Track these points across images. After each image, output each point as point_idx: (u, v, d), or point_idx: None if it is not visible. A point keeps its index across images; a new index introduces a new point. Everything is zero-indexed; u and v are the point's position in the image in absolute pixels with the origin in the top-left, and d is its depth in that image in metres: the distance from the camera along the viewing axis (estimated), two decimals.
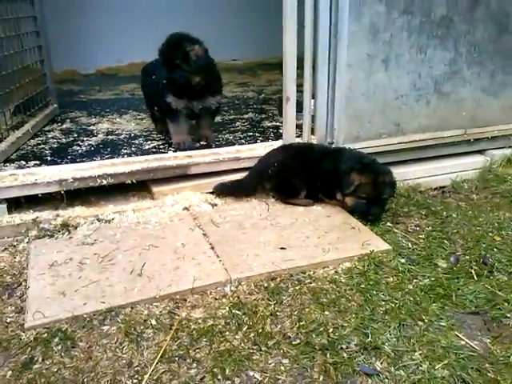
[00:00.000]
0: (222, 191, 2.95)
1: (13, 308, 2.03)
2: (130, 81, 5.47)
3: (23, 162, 2.83)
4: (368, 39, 3.10)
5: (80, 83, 5.68)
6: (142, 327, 1.89)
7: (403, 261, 2.36)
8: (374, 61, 3.16)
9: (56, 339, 1.82)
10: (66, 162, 2.85)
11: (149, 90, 3.51)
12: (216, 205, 2.92)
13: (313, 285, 2.16)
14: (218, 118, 3.96)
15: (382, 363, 1.73)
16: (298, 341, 1.81)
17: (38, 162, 2.84)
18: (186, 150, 3.12)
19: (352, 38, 3.06)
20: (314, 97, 3.20)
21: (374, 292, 2.11)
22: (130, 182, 2.82)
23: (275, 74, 6.18)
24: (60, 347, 1.79)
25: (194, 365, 1.71)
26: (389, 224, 2.75)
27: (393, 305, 2.03)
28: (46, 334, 1.84)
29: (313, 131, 3.27)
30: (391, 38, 3.16)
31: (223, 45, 6.25)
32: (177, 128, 3.23)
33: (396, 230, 2.68)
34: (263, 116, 4.08)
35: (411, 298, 2.08)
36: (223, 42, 6.31)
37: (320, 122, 3.22)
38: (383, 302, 2.05)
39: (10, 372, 1.69)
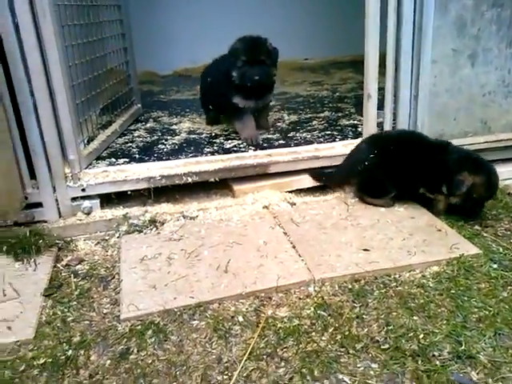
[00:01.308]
0: (316, 176, 3.01)
1: (108, 300, 2.14)
2: None
3: (113, 160, 2.98)
4: (454, 34, 2.99)
5: (159, 84, 5.89)
6: (229, 323, 1.93)
7: (495, 266, 2.25)
8: (460, 56, 3.04)
9: (149, 332, 1.91)
10: (153, 160, 2.97)
11: (212, 90, 3.61)
12: (295, 204, 2.93)
13: (399, 288, 2.11)
14: (294, 117, 3.98)
15: (478, 373, 1.65)
16: (387, 345, 1.78)
17: (127, 160, 2.98)
18: (256, 144, 3.25)
19: (437, 32, 2.96)
20: (395, 94, 3.13)
21: (466, 298, 2.02)
22: (213, 180, 2.89)
23: (348, 72, 6.10)
24: (153, 340, 1.87)
25: (283, 364, 1.73)
26: (477, 227, 2.62)
27: (487, 312, 1.94)
28: (139, 326, 1.93)
29: (393, 129, 3.19)
30: (479, 32, 3.02)
31: (295, 44, 6.27)
32: (245, 125, 3.36)
33: (485, 234, 2.55)
34: (340, 114, 4.02)
35: (506, 306, 1.97)
36: (295, 41, 6.33)
37: (402, 119, 3.14)
38: (476, 309, 1.96)
39: (108, 361, 1.78)
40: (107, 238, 2.66)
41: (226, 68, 3.27)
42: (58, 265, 2.42)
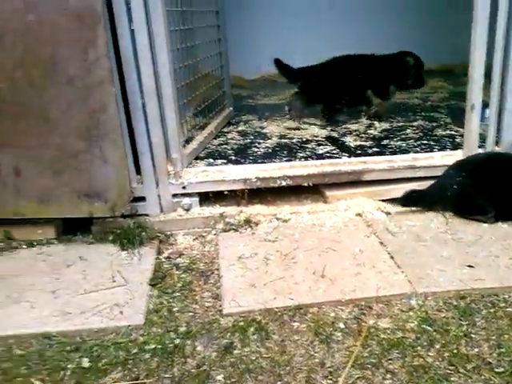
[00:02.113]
0: (405, 203, 2.89)
1: (209, 294, 2.21)
2: (290, 87, 5.63)
3: (211, 160, 3.08)
4: None
5: (246, 88, 6.01)
6: (330, 329, 1.93)
7: None
8: None
9: (252, 329, 1.94)
10: (249, 162, 3.03)
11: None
12: (389, 213, 2.87)
13: (509, 310, 2.01)
14: (386, 125, 3.92)
15: None
16: (502, 369, 1.69)
17: (224, 161, 3.06)
18: None
19: None
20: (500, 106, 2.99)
21: None
22: (306, 184, 2.90)
23: (438, 81, 5.88)
24: (256, 337, 1.90)
25: (389, 376, 1.69)
26: None
27: None
28: (242, 323, 1.98)
29: (497, 142, 3.05)
30: None
31: (385, 51, 6.16)
32: None
33: None
34: (434, 124, 3.89)
35: None
36: (384, 49, 6.21)
37: (508, 131, 2.99)
38: None
39: (214, 353, 1.84)
40: (204, 234, 2.74)
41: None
42: (160, 257, 2.54)
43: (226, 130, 3.92)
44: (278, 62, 4.19)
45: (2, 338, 1.94)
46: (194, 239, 2.72)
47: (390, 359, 1.76)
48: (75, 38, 2.22)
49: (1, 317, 2.05)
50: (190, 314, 2.07)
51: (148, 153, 2.62)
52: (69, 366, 1.80)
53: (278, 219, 2.81)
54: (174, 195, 2.78)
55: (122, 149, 2.43)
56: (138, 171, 2.69)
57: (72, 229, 2.80)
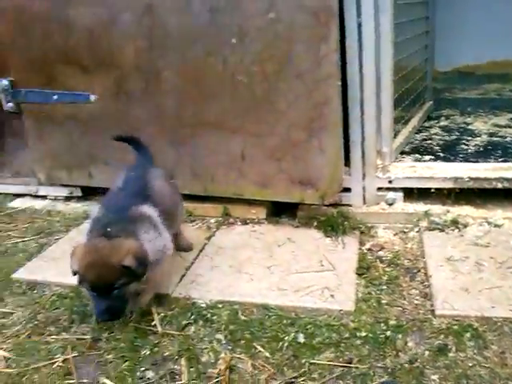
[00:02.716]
0: None
1: (417, 292, 2.21)
2: (491, 80, 5.20)
3: (418, 156, 3.04)
4: None
5: (439, 81, 5.69)
6: None
7: None
8: None
9: (467, 334, 1.89)
10: (460, 161, 2.91)
11: None
12: None
13: None
14: None
15: None
16: None
17: (431, 157, 2.99)
18: None
19: None
20: None
21: None
22: None
23: None
24: (472, 343, 1.85)
25: None
26: None
27: None
28: (456, 326, 1.94)
29: None
30: None
31: None
32: None
33: None
34: None
35: None
36: None
37: None
38: None
39: (427, 352, 1.84)
40: (406, 230, 2.73)
41: None
42: (362, 248, 2.61)
43: (426, 124, 3.80)
44: None
45: (229, 302, 2.21)
46: (394, 234, 2.72)
47: None
48: (310, 34, 2.38)
49: (226, 284, 2.34)
50: (399, 308, 2.10)
51: (359, 145, 2.69)
52: (286, 339, 1.98)
53: (489, 223, 2.65)
54: (379, 188, 2.81)
55: (339, 140, 2.55)
56: (346, 163, 2.78)
57: (278, 212, 3.04)
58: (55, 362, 1.95)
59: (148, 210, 2.12)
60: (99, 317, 1.95)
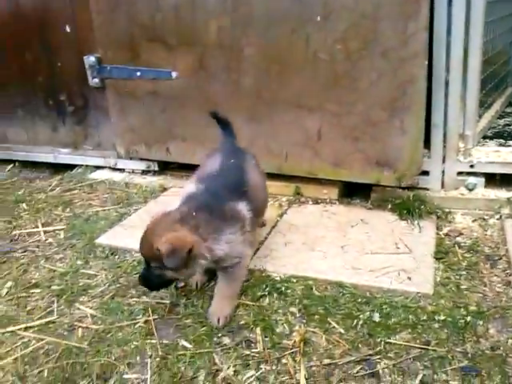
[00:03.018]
0: None
1: (499, 279, 2.15)
2: None
3: (502, 140, 2.91)
4: None
5: None
6: None
7: None
8: None
9: None
10: None
11: None
12: None
13: None
14: None
15: None
16: None
17: None
18: None
19: None
20: None
21: None
22: None
23: None
24: None
25: None
26: None
27: None
28: None
29: None
30: None
31: None
32: None
33: None
34: None
35: None
36: None
37: None
38: None
39: (510, 340, 1.80)
40: (486, 217, 2.64)
41: None
42: (440, 233, 2.55)
43: (508, 110, 3.62)
44: None
45: (303, 278, 2.24)
46: (473, 220, 2.64)
47: None
48: (398, 11, 2.33)
49: (300, 260, 2.37)
50: (479, 294, 2.05)
51: (441, 127, 2.62)
52: (361, 317, 1.98)
53: None
54: (459, 173, 2.72)
55: (421, 121, 2.49)
56: (425, 145, 2.71)
57: (350, 193, 3.02)
58: (137, 322, 2.07)
59: (243, 209, 2.08)
60: (138, 279, 2.03)
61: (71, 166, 3.85)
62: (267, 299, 2.14)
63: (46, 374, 1.80)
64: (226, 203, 2.04)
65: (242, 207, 2.08)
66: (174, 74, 3.09)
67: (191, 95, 3.08)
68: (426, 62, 2.39)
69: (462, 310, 1.96)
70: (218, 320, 1.99)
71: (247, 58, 2.79)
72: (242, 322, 2.02)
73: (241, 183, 2.16)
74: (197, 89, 3.04)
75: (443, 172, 2.73)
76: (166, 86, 3.15)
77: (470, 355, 1.75)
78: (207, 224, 1.94)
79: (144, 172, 3.63)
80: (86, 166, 3.81)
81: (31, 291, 2.31)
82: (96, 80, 3.43)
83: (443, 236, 2.52)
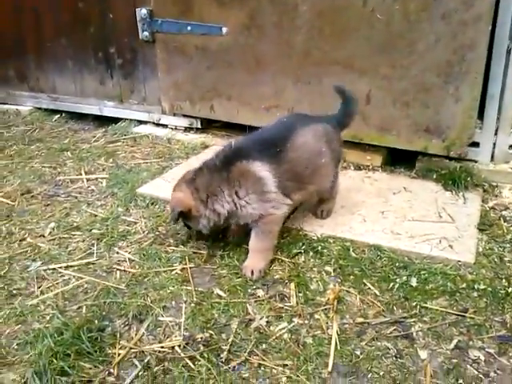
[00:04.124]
0: None
1: None
2: None
3: None
4: None
5: None
6: None
7: None
8: None
9: None
10: None
11: None
12: None
13: None
14: None
15: None
16: None
17: None
18: None
19: None
20: None
21: None
22: None
23: None
24: None
25: None
26: None
27: None
28: None
29: None
30: None
31: None
32: None
33: None
34: None
35: None
36: None
37: None
38: None
39: None
40: None
41: None
42: (485, 205, 2.47)
43: None
44: None
45: (340, 239, 2.23)
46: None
47: None
48: None
49: (339, 222, 2.36)
50: None
51: (497, 99, 2.51)
52: (397, 280, 1.96)
53: None
54: (511, 146, 2.62)
55: (478, 89, 2.39)
56: (479, 116, 2.61)
57: (393, 161, 2.96)
58: (174, 269, 2.11)
59: (259, 169, 2.02)
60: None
61: (116, 120, 3.90)
62: (303, 257, 2.14)
63: (84, 311, 1.86)
64: (236, 163, 2.02)
65: (258, 167, 2.01)
66: (224, 30, 3.07)
67: (240, 53, 3.05)
68: (490, 28, 2.27)
69: (504, 281, 1.91)
70: (252, 272, 2.01)
71: (301, 16, 2.73)
72: (277, 277, 2.04)
73: (275, 143, 2.06)
74: (246, 46, 3.01)
75: (494, 144, 2.63)
76: (215, 43, 3.13)
77: (508, 325, 1.72)
78: (207, 185, 2.04)
79: (186, 129, 3.66)
80: (131, 120, 3.87)
81: (72, 233, 2.39)
82: (146, 33, 3.44)
83: (488, 209, 2.45)
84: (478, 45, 2.30)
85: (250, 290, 1.97)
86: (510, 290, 1.86)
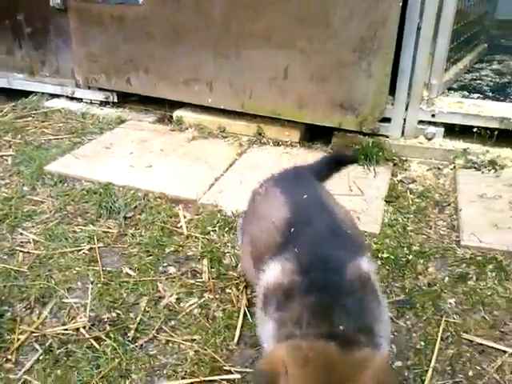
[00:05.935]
0: None
1: (445, 223, 2.19)
2: None
3: (466, 93, 2.91)
4: None
5: (497, 28, 5.35)
6: None
7: None
8: None
9: (490, 266, 1.88)
10: (510, 102, 2.78)
11: None
12: None
13: None
14: None
15: None
16: None
17: (480, 96, 2.86)
18: None
19: None
20: None
21: None
22: None
23: None
24: (494, 274, 1.84)
25: None
26: None
27: None
28: (480, 258, 1.93)
29: None
30: None
31: None
32: None
33: None
34: None
35: None
36: None
37: None
38: None
39: (447, 278, 1.85)
40: (440, 166, 2.67)
41: None
42: (394, 179, 2.57)
43: (477, 66, 3.62)
44: None
45: None
46: (428, 169, 2.67)
47: None
48: None
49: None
50: (424, 236, 2.09)
51: (408, 74, 2.57)
52: None
53: None
54: (420, 122, 2.72)
55: (389, 66, 2.43)
56: (390, 92, 2.68)
57: (311, 137, 3.00)
58: (81, 249, 2.04)
59: (366, 265, 1.21)
60: None
61: (26, 93, 3.66)
62: (217, 233, 2.13)
63: None
64: (348, 265, 1.18)
65: (365, 264, 1.20)
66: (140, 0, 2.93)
67: (158, 24, 2.93)
68: (401, 4, 2.31)
69: (405, 249, 2.00)
70: None
71: None
72: (190, 254, 2.02)
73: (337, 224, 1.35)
74: (164, 17, 2.90)
75: (404, 120, 2.72)
76: (132, 13, 2.99)
77: (407, 290, 1.80)
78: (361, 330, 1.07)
79: (102, 103, 3.49)
80: (42, 93, 3.64)
81: None
82: (58, 1, 3.22)
83: (397, 182, 2.54)
84: (389, 21, 2.35)
85: (161, 268, 1.94)
86: (410, 257, 1.95)
